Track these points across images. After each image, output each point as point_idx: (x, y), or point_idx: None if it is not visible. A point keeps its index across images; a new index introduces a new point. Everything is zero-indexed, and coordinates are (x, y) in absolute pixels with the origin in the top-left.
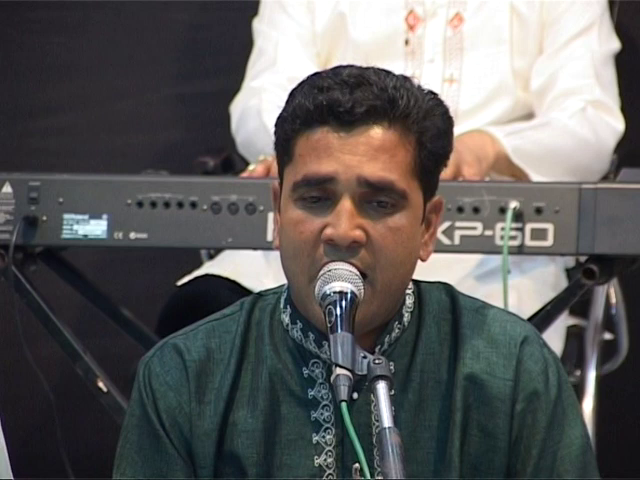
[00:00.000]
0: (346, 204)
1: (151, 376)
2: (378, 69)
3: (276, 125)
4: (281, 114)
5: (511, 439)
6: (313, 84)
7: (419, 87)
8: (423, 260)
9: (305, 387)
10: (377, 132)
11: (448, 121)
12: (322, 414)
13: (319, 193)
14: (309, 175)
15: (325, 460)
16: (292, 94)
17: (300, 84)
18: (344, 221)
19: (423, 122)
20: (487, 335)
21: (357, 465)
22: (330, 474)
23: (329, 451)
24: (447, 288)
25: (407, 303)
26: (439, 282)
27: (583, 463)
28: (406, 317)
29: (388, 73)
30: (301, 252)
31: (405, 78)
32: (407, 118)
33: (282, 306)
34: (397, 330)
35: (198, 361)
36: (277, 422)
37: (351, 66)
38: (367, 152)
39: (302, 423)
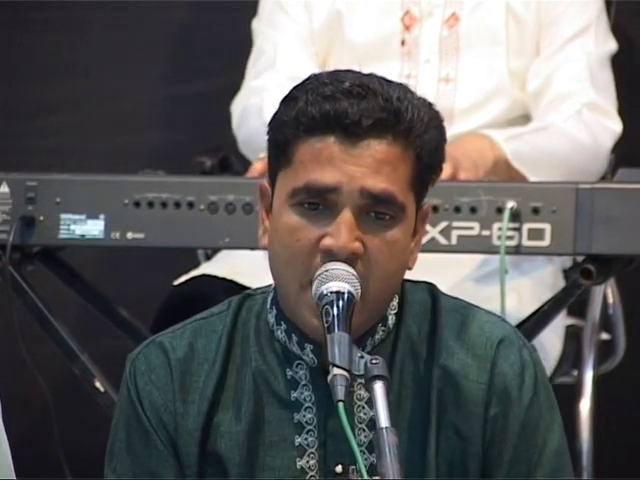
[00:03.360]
0: (347, 215)
1: (136, 374)
2: (379, 77)
3: (272, 127)
4: (279, 116)
5: (484, 443)
6: (317, 90)
7: (417, 96)
8: (409, 268)
9: (288, 389)
10: (381, 145)
11: (443, 133)
12: (305, 416)
13: (319, 201)
14: (311, 183)
15: (307, 462)
16: (292, 97)
17: (300, 87)
18: (344, 232)
19: (424, 136)
20: (464, 336)
21: (339, 467)
22: (312, 476)
23: (311, 453)
24: (430, 288)
25: (391, 305)
26: (424, 282)
27: (558, 467)
28: (390, 320)
29: (390, 82)
30: (296, 259)
31: (405, 87)
32: (410, 132)
33: (268, 307)
34: (381, 332)
35: (183, 360)
36: (260, 424)
37: (351, 72)
38: (371, 164)
39: (285, 425)
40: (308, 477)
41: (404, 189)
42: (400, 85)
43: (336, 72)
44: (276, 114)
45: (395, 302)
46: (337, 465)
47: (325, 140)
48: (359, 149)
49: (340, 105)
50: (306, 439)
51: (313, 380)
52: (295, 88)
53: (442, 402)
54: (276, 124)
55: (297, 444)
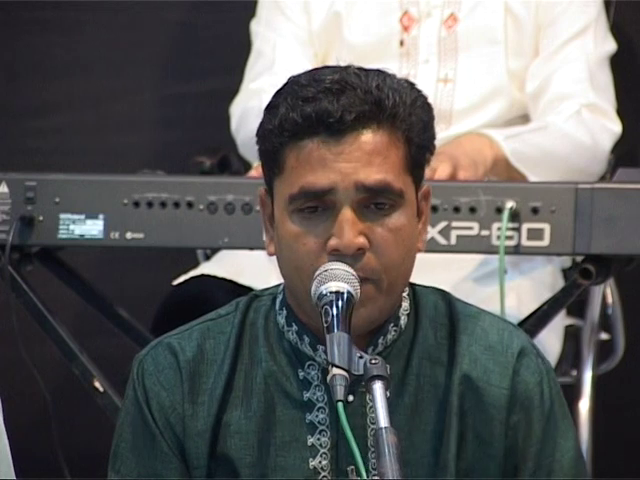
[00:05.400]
0: (347, 213)
1: (144, 375)
2: (357, 69)
3: (260, 137)
4: (265, 126)
5: (506, 448)
6: (296, 94)
7: (397, 80)
8: (420, 250)
9: (300, 389)
10: (367, 136)
11: (430, 111)
12: (317, 416)
13: (317, 203)
14: (306, 187)
15: (320, 462)
16: (274, 105)
17: (280, 92)
18: (347, 230)
19: (409, 118)
20: (485, 342)
21: (352, 467)
22: (325, 476)
23: (324, 453)
24: (443, 293)
25: (403, 306)
26: (434, 287)
27: (576, 473)
28: (402, 320)
29: (367, 72)
30: (304, 264)
31: (383, 73)
32: (395, 117)
33: (278, 308)
34: (393, 332)
35: (192, 362)
36: (272, 424)
37: (329, 68)
38: (361, 158)
39: (297, 425)
40: (320, 477)
41: (400, 175)
42: (378, 72)
43: (313, 71)
44: (261, 124)
45: (407, 303)
46: (349, 466)
47: (312, 142)
48: (347, 145)
49: (320, 105)
50: (319, 439)
51: (325, 381)
52: (276, 94)
53: (463, 406)
54: (262, 134)
55: (309, 444)
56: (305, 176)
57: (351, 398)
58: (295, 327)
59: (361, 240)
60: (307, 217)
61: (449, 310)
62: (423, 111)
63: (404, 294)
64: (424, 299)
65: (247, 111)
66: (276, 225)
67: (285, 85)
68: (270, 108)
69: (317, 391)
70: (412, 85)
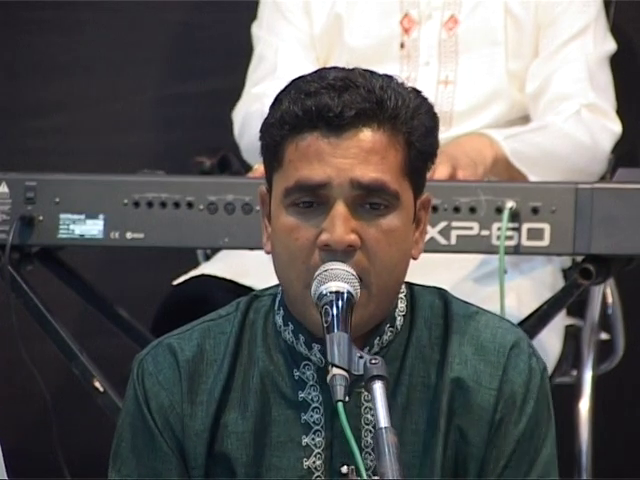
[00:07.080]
0: (340, 208)
1: (144, 375)
2: (363, 70)
3: (262, 131)
4: (267, 120)
5: (485, 446)
6: (299, 89)
7: (403, 86)
8: (414, 258)
9: (295, 389)
10: (367, 135)
11: (434, 118)
12: (312, 416)
13: (312, 198)
14: (301, 181)
15: (314, 462)
16: (278, 99)
17: (285, 88)
18: (339, 226)
19: (411, 122)
20: (477, 342)
21: (345, 467)
22: (318, 476)
23: (318, 453)
24: (441, 293)
25: (399, 307)
26: (433, 287)
27: (545, 476)
28: (399, 320)
29: (373, 74)
30: (296, 259)
31: (390, 77)
32: (396, 119)
33: (276, 307)
34: (389, 333)
35: (192, 361)
36: (267, 424)
37: (336, 68)
38: (358, 155)
39: (292, 425)
40: (314, 477)
41: (397, 177)
42: (385, 76)
43: (320, 70)
44: (265, 119)
45: (403, 304)
46: (343, 465)
47: (311, 136)
48: (345, 141)
49: (321, 100)
50: (313, 439)
51: (320, 380)
52: (281, 91)
53: (452, 406)
54: (264, 128)
55: (304, 444)
56: (302, 169)
57: (346, 399)
58: (291, 326)
59: (352, 237)
60: (302, 212)
61: (445, 310)
62: (427, 117)
63: (401, 295)
64: (421, 299)
65: (249, 115)
66: (272, 220)
67: (292, 82)
68: (274, 103)
69: (312, 391)
70: (418, 92)
